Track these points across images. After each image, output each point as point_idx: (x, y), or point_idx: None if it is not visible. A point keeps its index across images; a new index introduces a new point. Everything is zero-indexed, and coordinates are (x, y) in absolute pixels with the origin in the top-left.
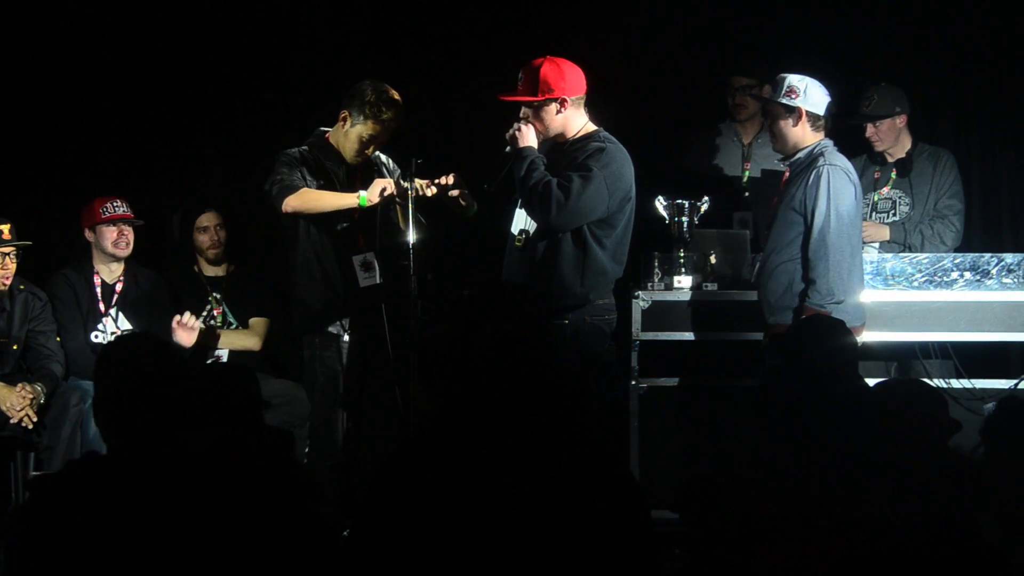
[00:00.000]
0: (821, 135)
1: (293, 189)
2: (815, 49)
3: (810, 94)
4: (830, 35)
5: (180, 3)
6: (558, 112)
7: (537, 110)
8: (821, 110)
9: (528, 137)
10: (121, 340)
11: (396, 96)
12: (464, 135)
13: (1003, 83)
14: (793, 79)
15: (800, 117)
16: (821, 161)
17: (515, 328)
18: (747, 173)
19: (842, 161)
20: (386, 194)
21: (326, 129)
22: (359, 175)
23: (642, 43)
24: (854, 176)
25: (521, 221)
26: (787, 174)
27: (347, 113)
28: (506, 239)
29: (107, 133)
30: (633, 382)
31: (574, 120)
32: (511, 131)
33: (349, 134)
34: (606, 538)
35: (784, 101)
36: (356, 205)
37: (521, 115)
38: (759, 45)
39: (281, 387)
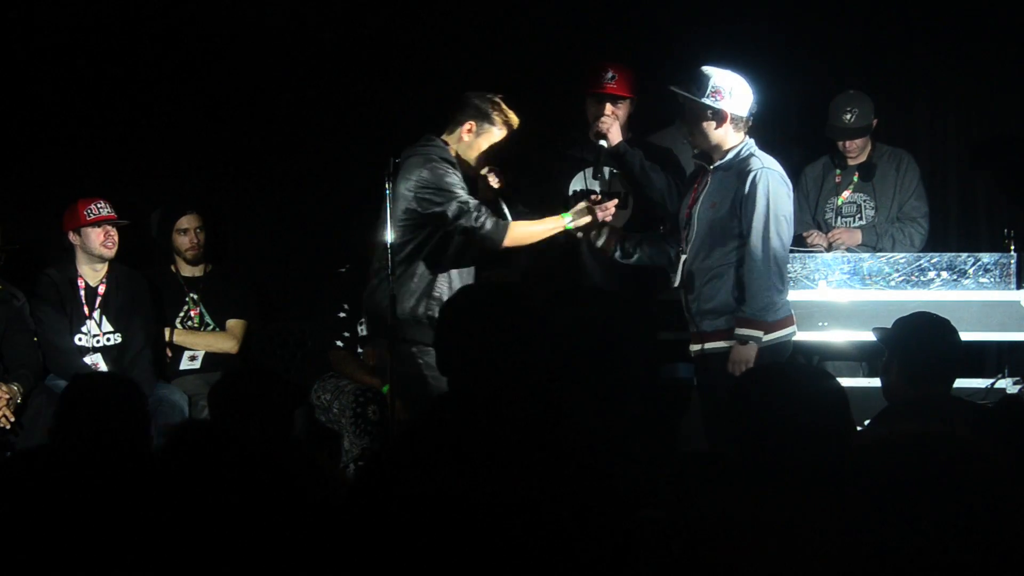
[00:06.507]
0: (743, 135)
1: (498, 231)
2: (788, 45)
3: (736, 96)
4: (798, 33)
5: (161, 3)
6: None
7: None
8: (745, 112)
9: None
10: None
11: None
12: None
13: (980, 81)
14: (717, 78)
15: (724, 119)
16: (755, 164)
17: (497, 329)
18: None
19: (774, 163)
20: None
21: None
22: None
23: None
24: (787, 178)
25: None
26: (705, 174)
27: (472, 124)
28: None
29: (85, 133)
30: None
31: None
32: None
33: (475, 144)
34: (584, 540)
35: (707, 102)
36: (562, 228)
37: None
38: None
39: None
